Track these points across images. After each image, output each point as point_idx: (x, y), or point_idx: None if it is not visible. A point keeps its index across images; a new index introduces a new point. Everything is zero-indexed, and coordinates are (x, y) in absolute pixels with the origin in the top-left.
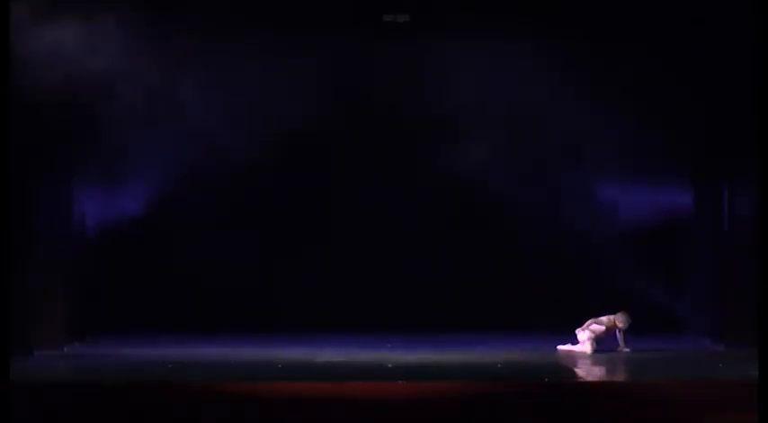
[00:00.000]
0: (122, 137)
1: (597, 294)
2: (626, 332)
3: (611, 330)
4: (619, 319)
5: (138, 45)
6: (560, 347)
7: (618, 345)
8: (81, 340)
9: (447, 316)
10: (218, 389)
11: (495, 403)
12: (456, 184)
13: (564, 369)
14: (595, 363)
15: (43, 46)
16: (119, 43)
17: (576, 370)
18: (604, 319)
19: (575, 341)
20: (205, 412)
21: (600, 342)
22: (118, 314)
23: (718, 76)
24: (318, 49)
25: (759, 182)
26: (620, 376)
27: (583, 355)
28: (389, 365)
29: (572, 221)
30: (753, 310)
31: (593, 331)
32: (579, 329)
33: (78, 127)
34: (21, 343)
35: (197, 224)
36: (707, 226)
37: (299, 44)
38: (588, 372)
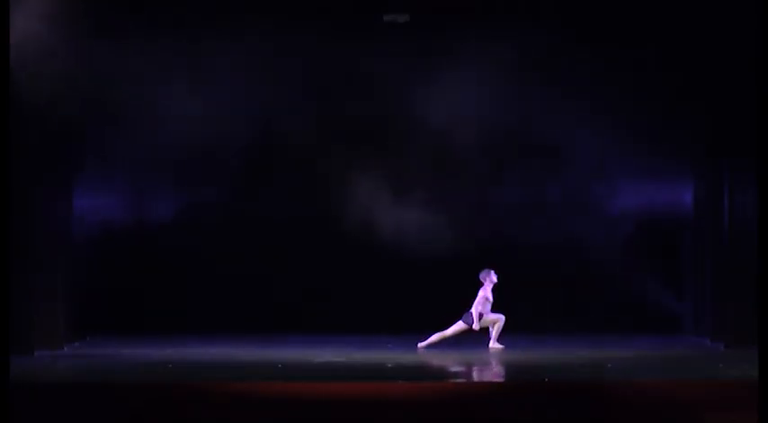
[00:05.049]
0: (121, 138)
1: (598, 294)
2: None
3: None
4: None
5: (135, 47)
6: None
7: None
8: (81, 340)
9: (447, 317)
10: (219, 389)
11: (495, 403)
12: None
13: (564, 369)
14: (595, 363)
15: (41, 49)
16: (118, 45)
17: (576, 371)
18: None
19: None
20: (205, 412)
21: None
22: (118, 314)
23: (718, 75)
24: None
25: (759, 182)
26: (620, 376)
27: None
28: (389, 365)
29: (572, 222)
30: (753, 310)
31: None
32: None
33: (78, 128)
34: (21, 343)
35: (196, 225)
36: (707, 226)
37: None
38: (588, 372)
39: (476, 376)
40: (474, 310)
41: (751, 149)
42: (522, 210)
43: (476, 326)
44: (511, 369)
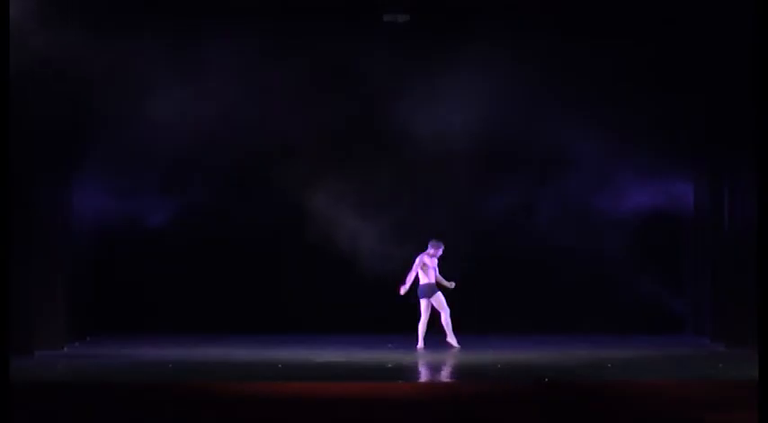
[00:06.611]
0: (122, 138)
1: (598, 295)
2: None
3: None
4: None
5: (135, 48)
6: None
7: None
8: (81, 340)
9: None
10: (218, 389)
11: (495, 403)
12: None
13: (565, 370)
14: (595, 363)
15: (42, 48)
16: (119, 46)
17: (576, 371)
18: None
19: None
20: (205, 412)
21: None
22: (118, 314)
23: (718, 75)
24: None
25: (759, 182)
26: (620, 376)
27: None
28: (389, 365)
29: (572, 223)
30: (752, 310)
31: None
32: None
33: (78, 128)
34: (21, 343)
35: (196, 225)
36: (707, 226)
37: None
38: (588, 372)
39: (475, 376)
40: (409, 275)
41: (751, 150)
42: (523, 210)
43: (403, 289)
44: (512, 369)
